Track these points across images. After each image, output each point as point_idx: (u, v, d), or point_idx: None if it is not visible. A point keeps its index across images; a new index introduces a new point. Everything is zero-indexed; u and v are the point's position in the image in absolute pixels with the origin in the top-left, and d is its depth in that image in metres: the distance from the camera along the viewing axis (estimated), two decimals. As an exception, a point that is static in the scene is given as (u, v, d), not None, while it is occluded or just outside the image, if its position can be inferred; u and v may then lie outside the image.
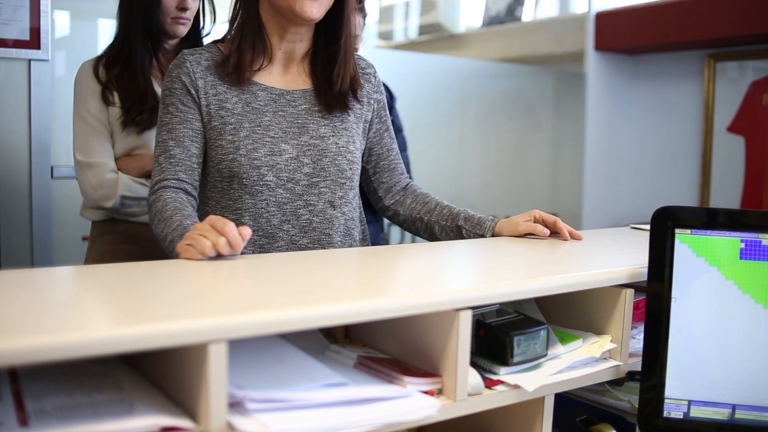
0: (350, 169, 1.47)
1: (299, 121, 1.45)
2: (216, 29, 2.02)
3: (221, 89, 1.42)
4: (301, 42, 1.47)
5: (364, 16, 2.33)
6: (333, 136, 1.46)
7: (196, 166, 1.41)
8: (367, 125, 1.56)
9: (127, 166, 1.85)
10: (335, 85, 1.46)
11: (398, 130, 2.54)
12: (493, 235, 1.48)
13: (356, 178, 1.51)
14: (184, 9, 1.85)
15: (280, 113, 1.44)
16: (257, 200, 1.40)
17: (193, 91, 1.41)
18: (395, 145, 1.63)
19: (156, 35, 1.86)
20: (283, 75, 1.48)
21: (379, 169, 1.60)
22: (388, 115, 1.61)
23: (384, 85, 2.51)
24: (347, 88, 1.49)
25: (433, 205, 1.57)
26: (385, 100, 1.60)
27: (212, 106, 1.41)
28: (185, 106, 1.41)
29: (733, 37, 3.38)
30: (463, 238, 1.51)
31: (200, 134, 1.42)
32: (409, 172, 2.55)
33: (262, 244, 1.40)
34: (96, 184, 1.82)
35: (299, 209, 1.42)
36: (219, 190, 1.42)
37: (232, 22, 1.46)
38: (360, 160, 1.52)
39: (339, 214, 1.46)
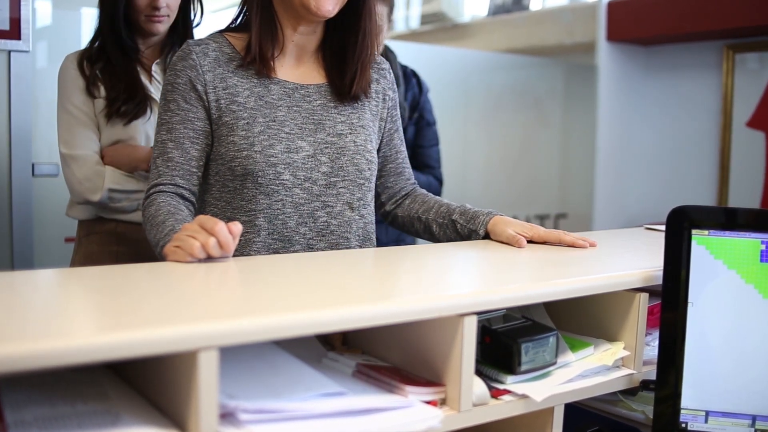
0: (369, 169, 1.47)
1: (315, 117, 1.44)
2: (206, 20, 2.02)
3: (231, 82, 1.40)
4: (314, 33, 1.46)
5: (391, 6, 2.25)
6: (350, 133, 1.45)
7: (195, 170, 1.40)
8: (383, 123, 1.55)
9: (117, 153, 1.86)
10: (346, 84, 1.45)
11: (428, 123, 2.51)
12: (486, 233, 1.45)
13: (374, 179, 1.51)
14: (156, 8, 1.84)
15: (295, 108, 1.43)
16: (272, 200, 1.38)
17: (199, 87, 1.38)
18: (404, 148, 1.62)
19: (132, 31, 1.87)
20: (296, 68, 1.47)
21: (385, 172, 1.58)
22: (399, 116, 1.60)
23: (415, 75, 2.50)
24: (361, 88, 1.47)
25: (432, 203, 1.56)
26: (398, 99, 1.57)
27: (222, 101, 1.39)
28: (188, 103, 1.39)
29: (753, 27, 3.37)
30: (458, 234, 1.49)
31: (202, 134, 1.40)
32: (440, 167, 2.54)
33: (278, 248, 1.38)
34: (82, 177, 1.82)
35: (317, 211, 1.41)
36: (230, 189, 1.40)
37: (244, 5, 1.45)
38: (377, 160, 1.51)
39: (357, 217, 1.45)
